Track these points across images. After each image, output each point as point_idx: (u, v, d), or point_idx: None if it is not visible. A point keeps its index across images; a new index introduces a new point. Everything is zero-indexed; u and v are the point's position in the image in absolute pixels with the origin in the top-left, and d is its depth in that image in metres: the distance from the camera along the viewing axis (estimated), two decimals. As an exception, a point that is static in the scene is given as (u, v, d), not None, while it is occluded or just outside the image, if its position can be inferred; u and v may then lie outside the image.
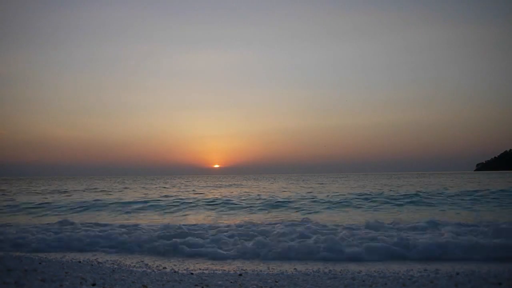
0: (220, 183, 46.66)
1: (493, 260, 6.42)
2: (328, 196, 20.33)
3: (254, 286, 4.86)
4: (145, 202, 18.54)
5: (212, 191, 28.13)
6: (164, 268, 6.11)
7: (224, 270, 5.94)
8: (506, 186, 26.03)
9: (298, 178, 72.40)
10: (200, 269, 6.02)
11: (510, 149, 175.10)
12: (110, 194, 24.85)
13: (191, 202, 18.22)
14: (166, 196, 22.36)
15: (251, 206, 16.21)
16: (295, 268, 6.06)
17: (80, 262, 6.50)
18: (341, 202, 17.13)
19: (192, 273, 5.64)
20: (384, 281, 5.08)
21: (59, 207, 17.07)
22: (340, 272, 5.73)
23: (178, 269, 5.97)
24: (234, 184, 43.26)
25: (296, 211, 14.58)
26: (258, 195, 21.95)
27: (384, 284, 4.92)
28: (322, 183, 38.88)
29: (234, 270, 5.90)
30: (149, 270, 5.85)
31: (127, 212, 15.17)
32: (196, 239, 8.03)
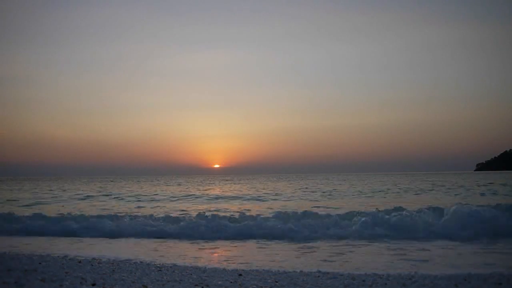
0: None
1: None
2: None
3: (254, 286, 4.85)
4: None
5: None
6: (164, 267, 6.11)
7: (224, 269, 5.94)
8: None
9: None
10: (200, 268, 6.02)
11: (510, 149, 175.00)
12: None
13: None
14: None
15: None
16: (294, 268, 6.06)
17: (80, 262, 6.50)
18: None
19: (192, 273, 5.64)
20: (384, 281, 5.08)
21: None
22: (340, 271, 5.73)
23: (178, 269, 5.96)
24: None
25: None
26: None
27: (384, 284, 4.92)
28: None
29: (234, 270, 5.90)
30: (149, 270, 5.85)
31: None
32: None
